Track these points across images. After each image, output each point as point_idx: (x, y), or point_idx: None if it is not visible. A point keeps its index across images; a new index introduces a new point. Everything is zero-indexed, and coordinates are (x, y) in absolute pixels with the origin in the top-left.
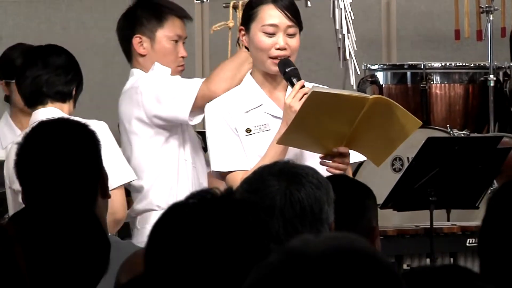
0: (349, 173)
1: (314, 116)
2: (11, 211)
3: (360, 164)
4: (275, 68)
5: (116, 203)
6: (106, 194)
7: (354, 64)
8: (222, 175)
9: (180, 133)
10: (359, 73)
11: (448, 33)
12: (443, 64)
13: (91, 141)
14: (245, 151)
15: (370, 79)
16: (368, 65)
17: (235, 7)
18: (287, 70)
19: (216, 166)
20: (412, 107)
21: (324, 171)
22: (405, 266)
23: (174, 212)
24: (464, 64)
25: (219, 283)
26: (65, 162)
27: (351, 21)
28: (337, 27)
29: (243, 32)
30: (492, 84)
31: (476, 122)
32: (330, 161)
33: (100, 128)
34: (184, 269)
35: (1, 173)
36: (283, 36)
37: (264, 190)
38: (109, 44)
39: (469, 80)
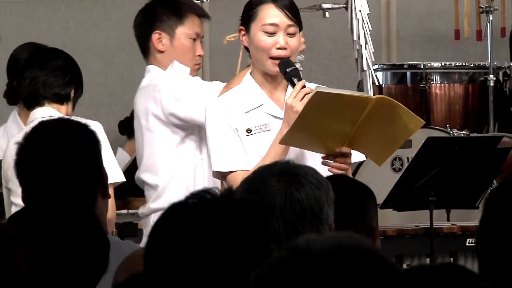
0: (349, 173)
1: (317, 116)
2: (7, 211)
3: (360, 164)
4: (276, 69)
5: None
6: (106, 195)
7: (372, 75)
8: (223, 175)
9: (197, 133)
10: (376, 84)
11: (448, 33)
12: (443, 64)
13: (91, 141)
14: (246, 151)
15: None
16: None
17: None
18: (287, 70)
19: (217, 167)
20: (412, 107)
21: (324, 171)
22: (405, 266)
23: (174, 212)
24: (464, 64)
25: (219, 283)
26: (65, 162)
27: (368, 32)
28: (355, 38)
29: (243, 32)
30: (492, 84)
31: (476, 122)
32: (332, 161)
33: (94, 128)
34: (183, 269)
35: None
36: (283, 35)
37: (264, 190)
38: (109, 44)
39: (469, 80)
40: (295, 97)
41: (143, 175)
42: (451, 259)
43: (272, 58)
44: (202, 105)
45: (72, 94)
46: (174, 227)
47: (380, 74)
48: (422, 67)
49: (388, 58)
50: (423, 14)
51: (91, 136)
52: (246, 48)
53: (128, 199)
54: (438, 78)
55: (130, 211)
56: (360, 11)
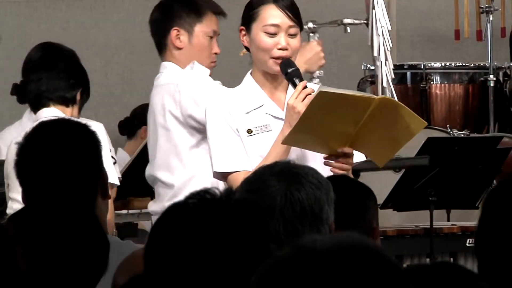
0: (350, 173)
1: (319, 116)
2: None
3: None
4: (277, 68)
5: None
6: (106, 195)
7: (392, 91)
8: (224, 176)
9: None
10: (395, 98)
11: (448, 33)
12: (443, 64)
13: (92, 142)
14: (246, 151)
15: (370, 79)
16: (368, 65)
17: None
18: (289, 70)
19: (218, 167)
20: (412, 107)
21: (325, 172)
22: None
23: (174, 212)
24: (464, 64)
25: (219, 283)
26: (65, 163)
27: (389, 49)
28: (375, 54)
29: (243, 32)
30: (492, 84)
31: (476, 122)
32: (334, 162)
33: (95, 129)
34: (183, 269)
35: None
36: (284, 36)
37: (264, 190)
38: (109, 44)
39: (469, 80)
40: (297, 97)
41: (158, 172)
42: (451, 259)
43: (273, 58)
44: None
45: (78, 97)
46: (174, 227)
47: None
48: (422, 67)
49: None
50: (423, 14)
51: (91, 136)
52: (246, 48)
53: (128, 199)
54: (438, 78)
55: (130, 211)
56: (381, 27)
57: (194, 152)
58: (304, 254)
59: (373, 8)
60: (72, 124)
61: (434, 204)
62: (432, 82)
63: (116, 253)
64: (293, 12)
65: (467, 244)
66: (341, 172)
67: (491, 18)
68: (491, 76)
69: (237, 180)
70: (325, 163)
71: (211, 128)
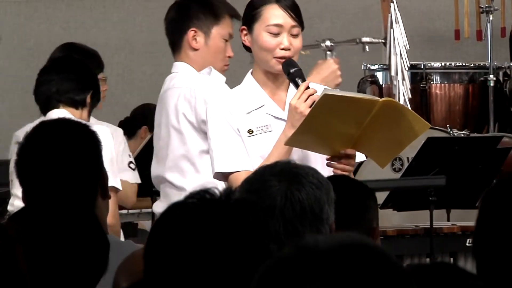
0: (351, 174)
1: (323, 118)
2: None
3: (360, 163)
4: (279, 67)
5: None
6: (106, 195)
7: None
8: (225, 176)
9: None
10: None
11: (448, 33)
12: (443, 64)
13: (92, 142)
14: (247, 152)
15: (370, 79)
16: (368, 65)
17: None
18: (291, 71)
19: (219, 168)
20: (412, 107)
21: (326, 173)
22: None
23: (174, 212)
24: (464, 64)
25: (219, 283)
26: (66, 162)
27: (406, 69)
28: (393, 73)
29: (245, 32)
30: (492, 84)
31: (476, 122)
32: (336, 163)
33: (102, 132)
34: (183, 269)
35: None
36: (287, 36)
37: (264, 190)
38: (109, 44)
39: (469, 80)
40: (299, 98)
41: (168, 174)
42: (451, 259)
43: (275, 57)
44: None
45: (88, 100)
46: (174, 227)
47: (380, 74)
48: (422, 67)
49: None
50: (423, 14)
51: (92, 136)
52: (246, 48)
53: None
54: (438, 78)
55: (130, 211)
56: (399, 47)
57: (206, 157)
58: (306, 253)
59: (391, 27)
60: (72, 124)
61: (434, 204)
62: (432, 82)
63: (116, 253)
64: (295, 12)
65: (467, 244)
66: (343, 173)
67: (491, 18)
68: (491, 76)
69: (238, 180)
70: (327, 165)
71: (212, 128)
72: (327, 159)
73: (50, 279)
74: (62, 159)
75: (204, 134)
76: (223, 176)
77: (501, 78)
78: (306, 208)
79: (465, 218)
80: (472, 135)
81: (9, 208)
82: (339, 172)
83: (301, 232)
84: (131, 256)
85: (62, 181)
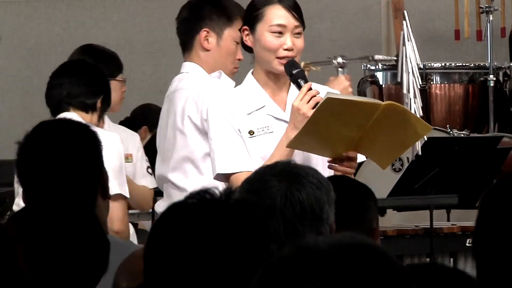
0: (352, 176)
1: (326, 121)
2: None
3: (360, 164)
4: (282, 68)
5: (109, 212)
6: (106, 195)
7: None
8: (226, 177)
9: None
10: (425, 138)
11: (448, 33)
12: (443, 64)
13: (92, 142)
14: (248, 152)
15: (370, 79)
16: (368, 65)
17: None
18: (293, 72)
19: (221, 169)
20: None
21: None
22: None
23: (173, 212)
24: (464, 64)
25: (219, 283)
26: (66, 162)
27: (418, 87)
28: (405, 91)
29: (246, 32)
30: (492, 84)
31: (476, 122)
32: (338, 165)
33: (111, 139)
34: (183, 269)
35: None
36: (290, 36)
37: (264, 191)
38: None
39: (469, 80)
40: (302, 99)
41: (171, 174)
42: (451, 259)
43: (278, 58)
44: None
45: (98, 104)
46: (174, 227)
47: (380, 74)
48: (422, 67)
49: None
50: (423, 14)
51: (92, 136)
52: (245, 48)
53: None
54: (438, 78)
55: (130, 211)
56: (411, 65)
57: (210, 160)
58: (306, 253)
59: (404, 45)
60: (73, 124)
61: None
62: (432, 82)
63: (116, 253)
64: (298, 12)
65: (467, 244)
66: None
67: (491, 18)
68: (491, 76)
69: (239, 181)
70: (329, 167)
71: (214, 128)
72: (329, 161)
73: (50, 279)
74: (62, 159)
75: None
76: (224, 177)
77: (501, 78)
78: (306, 208)
79: (465, 218)
80: (472, 135)
81: (15, 207)
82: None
83: (301, 232)
84: (131, 256)
85: (62, 181)
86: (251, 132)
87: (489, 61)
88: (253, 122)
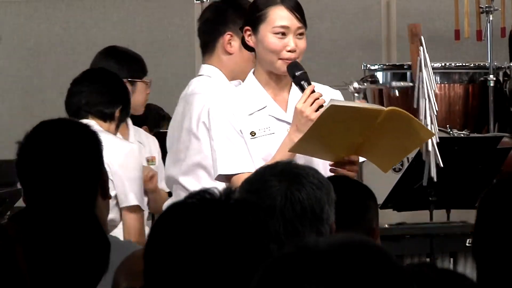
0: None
1: (329, 127)
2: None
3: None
4: (285, 69)
5: (127, 223)
6: (106, 195)
7: (436, 153)
8: (227, 178)
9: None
10: (441, 165)
11: (448, 33)
12: (443, 64)
13: (92, 142)
14: (250, 153)
15: (370, 79)
16: (368, 65)
17: None
18: (297, 74)
19: (222, 170)
20: (412, 107)
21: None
22: None
23: (173, 212)
24: (464, 64)
25: (219, 283)
26: (66, 162)
27: (435, 112)
28: (421, 117)
29: (249, 33)
30: (492, 84)
31: (476, 122)
32: (340, 169)
33: (131, 150)
34: (183, 269)
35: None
36: (293, 37)
37: (264, 191)
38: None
39: (469, 80)
40: (305, 101)
41: (182, 178)
42: (451, 259)
43: (281, 59)
44: None
45: (116, 114)
46: (174, 227)
47: (380, 74)
48: None
49: (388, 58)
50: (423, 14)
51: (92, 136)
52: (246, 47)
53: None
54: (438, 78)
55: None
56: (428, 90)
57: None
58: (306, 253)
59: (420, 71)
60: (73, 124)
61: (434, 204)
62: None
63: (116, 253)
64: (300, 13)
65: (467, 244)
66: None
67: (491, 18)
68: (491, 76)
69: (240, 182)
70: (330, 170)
71: (215, 129)
72: (331, 165)
73: (50, 279)
74: (62, 159)
75: None
76: (225, 178)
77: (501, 78)
78: (307, 208)
79: (465, 218)
80: (472, 135)
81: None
82: None
83: (301, 232)
84: (131, 256)
85: (62, 181)
86: (252, 133)
87: (489, 61)
88: (254, 123)
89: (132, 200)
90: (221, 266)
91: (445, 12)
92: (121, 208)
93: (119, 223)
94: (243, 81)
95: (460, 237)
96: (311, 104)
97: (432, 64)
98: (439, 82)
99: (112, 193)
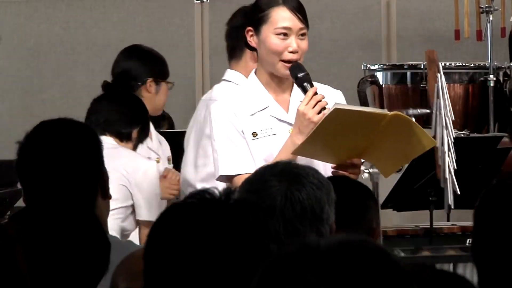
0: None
1: (332, 131)
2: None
3: None
4: (286, 72)
5: (142, 236)
6: (106, 195)
7: (453, 181)
8: (229, 178)
9: None
10: (458, 192)
11: (448, 33)
12: (443, 64)
13: (92, 142)
14: (252, 154)
15: (370, 79)
16: (368, 65)
17: None
18: (299, 75)
19: (224, 170)
20: (412, 107)
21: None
22: None
23: (173, 212)
24: (464, 64)
25: (218, 283)
26: (66, 162)
27: (452, 140)
28: (438, 144)
29: (251, 33)
30: (492, 84)
31: (476, 122)
32: (342, 171)
33: (149, 168)
34: (183, 269)
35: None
36: (295, 38)
37: (264, 191)
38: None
39: (469, 80)
40: (307, 104)
41: (200, 184)
42: None
43: (283, 60)
44: None
45: (134, 135)
46: (173, 227)
47: (380, 74)
48: (422, 67)
49: (388, 58)
50: (423, 14)
51: (92, 136)
52: (248, 47)
53: None
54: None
55: None
56: (445, 118)
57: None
58: (307, 252)
59: (438, 97)
60: (73, 124)
61: (434, 204)
62: None
63: (116, 253)
64: (303, 14)
65: (467, 244)
66: None
67: (491, 18)
68: (491, 76)
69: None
70: (333, 173)
71: (217, 130)
72: (333, 167)
73: (50, 279)
74: (62, 159)
75: None
76: (227, 179)
77: (501, 78)
78: (307, 208)
79: (465, 218)
80: (472, 135)
81: None
82: None
83: (301, 232)
84: (130, 256)
85: (62, 181)
86: (254, 134)
87: (489, 61)
88: (256, 123)
89: (147, 216)
90: (221, 266)
91: (445, 12)
92: (137, 220)
93: (131, 232)
94: None
95: (460, 237)
96: (314, 106)
97: None
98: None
99: (129, 202)
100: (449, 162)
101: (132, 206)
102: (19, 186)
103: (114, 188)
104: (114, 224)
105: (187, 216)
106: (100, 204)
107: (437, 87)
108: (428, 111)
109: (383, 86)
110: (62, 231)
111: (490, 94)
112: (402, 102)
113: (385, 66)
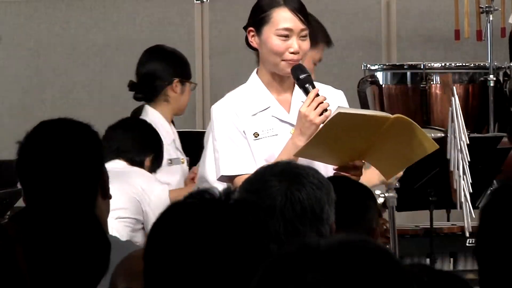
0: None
1: (335, 134)
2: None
3: None
4: (288, 70)
5: None
6: (106, 195)
7: (469, 205)
8: (230, 179)
9: None
10: (473, 216)
11: (448, 33)
12: (443, 64)
13: (92, 142)
14: (253, 154)
15: (370, 79)
16: (368, 65)
17: None
18: (300, 77)
19: (225, 170)
20: (412, 107)
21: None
22: None
23: (173, 212)
24: (464, 64)
25: (218, 283)
26: (66, 162)
27: (467, 163)
28: (452, 168)
29: (252, 34)
30: (492, 84)
31: (476, 122)
32: (344, 173)
33: (162, 191)
34: (183, 269)
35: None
36: (296, 39)
37: (265, 191)
38: (109, 44)
39: (469, 80)
40: (309, 105)
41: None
42: (451, 259)
43: (284, 60)
44: None
45: (147, 163)
46: (173, 227)
47: (380, 74)
48: (422, 67)
49: (388, 58)
50: (423, 14)
51: (92, 136)
52: (249, 47)
53: None
54: (438, 78)
55: None
56: (460, 141)
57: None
58: (307, 252)
59: (452, 121)
60: (73, 124)
61: (434, 204)
62: (432, 82)
63: (116, 253)
64: (304, 14)
65: (467, 244)
66: None
67: (491, 18)
68: (491, 76)
69: None
70: (334, 175)
71: (218, 130)
72: (335, 169)
73: (50, 279)
74: (62, 159)
75: None
76: (228, 179)
77: (501, 78)
78: (307, 208)
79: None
80: (472, 135)
81: None
82: None
83: (301, 232)
84: (129, 256)
85: (62, 181)
86: (255, 134)
87: (489, 61)
88: (257, 123)
89: None
90: (221, 266)
91: (445, 12)
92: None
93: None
94: None
95: (460, 237)
96: (315, 108)
97: (432, 64)
98: (439, 82)
99: (139, 217)
100: (464, 185)
101: (142, 223)
102: (19, 186)
103: (127, 199)
104: (123, 231)
105: (187, 216)
106: (100, 204)
107: (451, 110)
108: (442, 134)
109: (383, 86)
110: (62, 231)
111: (490, 94)
112: (402, 102)
113: (385, 66)
